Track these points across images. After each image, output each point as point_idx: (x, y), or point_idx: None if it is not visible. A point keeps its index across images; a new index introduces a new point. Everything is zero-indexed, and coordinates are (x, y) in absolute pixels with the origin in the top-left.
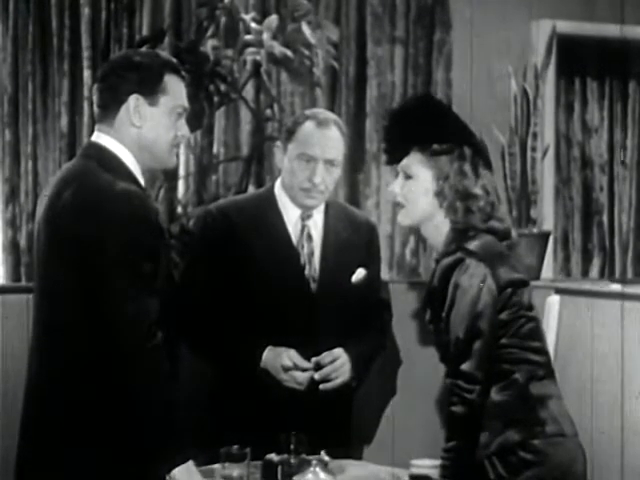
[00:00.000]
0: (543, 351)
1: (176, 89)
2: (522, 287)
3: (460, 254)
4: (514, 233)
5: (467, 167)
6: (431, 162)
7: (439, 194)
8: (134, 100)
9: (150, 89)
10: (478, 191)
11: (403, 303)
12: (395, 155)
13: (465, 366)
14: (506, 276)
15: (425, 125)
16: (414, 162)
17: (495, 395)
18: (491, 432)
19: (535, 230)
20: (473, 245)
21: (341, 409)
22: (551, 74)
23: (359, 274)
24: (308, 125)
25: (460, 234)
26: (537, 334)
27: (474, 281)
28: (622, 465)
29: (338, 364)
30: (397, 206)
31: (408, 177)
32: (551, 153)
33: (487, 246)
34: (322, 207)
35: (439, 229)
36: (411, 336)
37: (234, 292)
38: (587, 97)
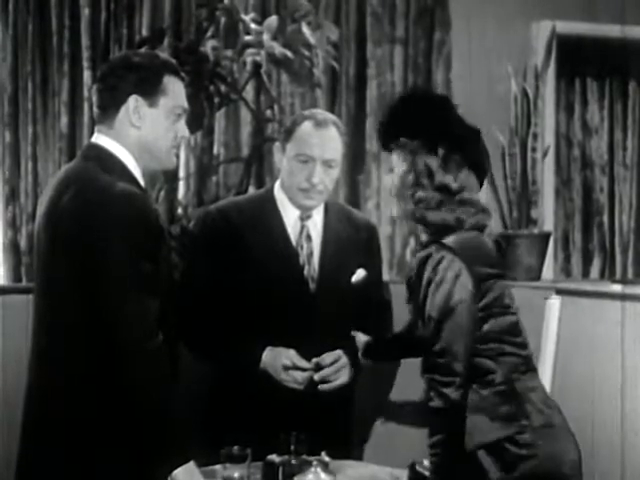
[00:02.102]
0: (523, 345)
1: (175, 90)
2: (498, 281)
3: (435, 247)
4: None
5: (440, 160)
6: (409, 157)
7: (411, 183)
8: (133, 101)
9: (149, 90)
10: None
11: (403, 303)
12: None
13: (441, 360)
14: (481, 270)
15: (399, 122)
16: (395, 157)
17: (479, 390)
18: (478, 427)
19: (535, 231)
20: (449, 239)
21: (341, 410)
22: (551, 74)
23: (359, 274)
24: (306, 125)
25: (440, 229)
26: (516, 328)
27: (448, 275)
28: (622, 465)
29: (338, 366)
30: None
31: (390, 170)
32: (551, 153)
33: (463, 240)
34: (322, 208)
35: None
36: None
37: (233, 292)
38: (587, 97)
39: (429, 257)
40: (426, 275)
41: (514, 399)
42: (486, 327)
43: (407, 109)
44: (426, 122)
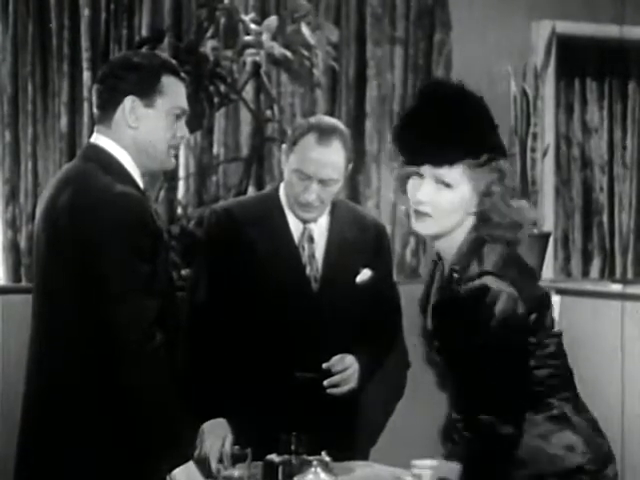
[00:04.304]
0: (568, 367)
1: (174, 90)
2: (547, 303)
3: (487, 280)
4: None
5: (506, 179)
6: (473, 173)
7: (479, 208)
8: (129, 102)
9: (146, 90)
10: (514, 204)
11: (403, 304)
12: (423, 157)
13: (504, 399)
14: (533, 295)
15: (470, 131)
16: (455, 171)
17: (533, 416)
18: (533, 457)
19: (535, 231)
20: (496, 266)
21: (347, 411)
22: (551, 74)
23: (364, 275)
24: (309, 139)
25: (477, 245)
26: (561, 350)
27: (507, 310)
28: (622, 465)
29: (349, 373)
30: (418, 214)
31: (447, 185)
32: (551, 153)
33: (510, 263)
34: (328, 208)
35: (455, 240)
36: (412, 337)
37: (238, 290)
38: (587, 97)
39: (484, 291)
40: (484, 312)
41: (568, 425)
42: (536, 355)
43: (457, 116)
44: (486, 125)
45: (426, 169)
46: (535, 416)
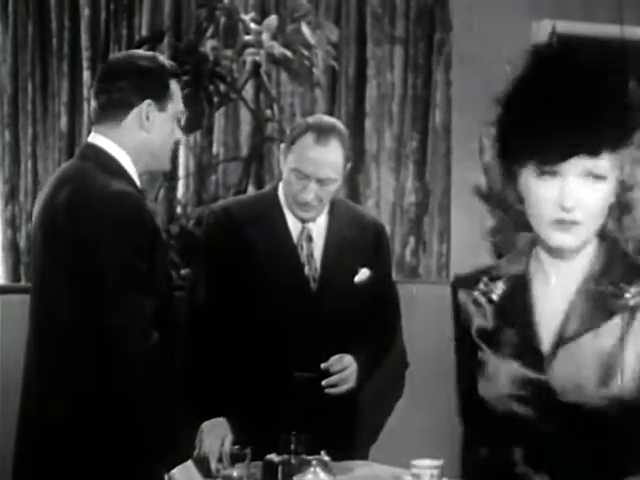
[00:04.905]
0: None
1: (178, 95)
2: None
3: None
4: None
5: None
6: (620, 156)
7: (620, 198)
8: (147, 105)
9: (160, 95)
10: None
11: (403, 303)
12: (571, 149)
13: None
14: None
15: (625, 100)
16: (609, 157)
17: None
18: None
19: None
20: None
21: (346, 411)
22: None
23: (363, 274)
24: (307, 139)
25: (620, 248)
26: None
27: None
28: None
29: (347, 373)
30: (562, 224)
31: (598, 178)
32: None
33: None
34: (327, 207)
35: (590, 248)
36: (411, 337)
37: (237, 290)
38: None
39: None
40: None
41: None
42: None
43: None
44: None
45: (571, 163)
46: None
